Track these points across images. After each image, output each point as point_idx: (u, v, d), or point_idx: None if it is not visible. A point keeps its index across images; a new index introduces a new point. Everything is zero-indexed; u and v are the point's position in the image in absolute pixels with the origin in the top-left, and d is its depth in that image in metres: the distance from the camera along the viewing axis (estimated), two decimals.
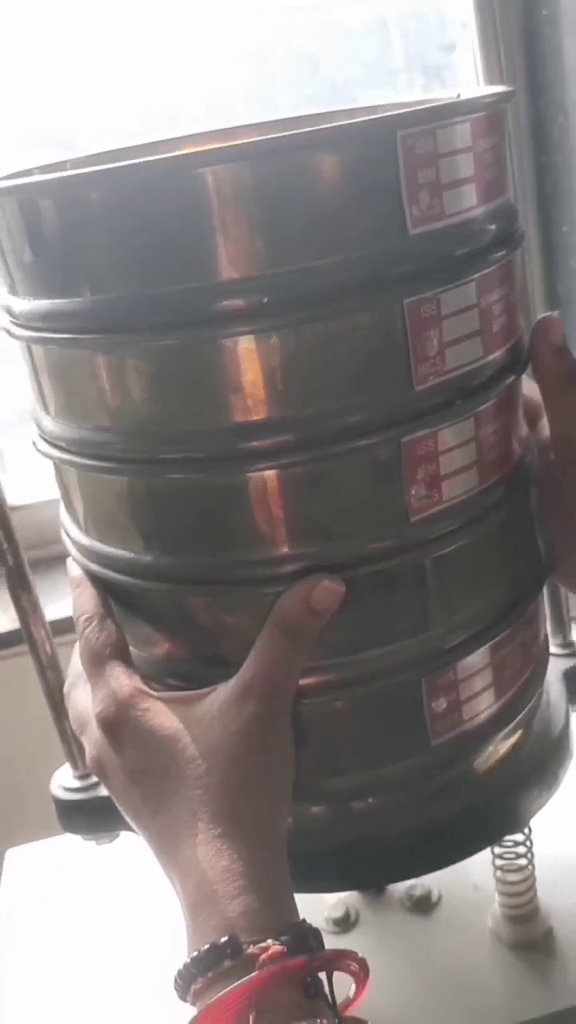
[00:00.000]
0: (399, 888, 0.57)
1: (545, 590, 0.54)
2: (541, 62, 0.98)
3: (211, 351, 0.37)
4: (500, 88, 0.41)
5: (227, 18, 0.95)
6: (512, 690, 0.46)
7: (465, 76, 1.06)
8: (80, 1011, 0.54)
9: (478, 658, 0.44)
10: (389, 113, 0.36)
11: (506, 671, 0.46)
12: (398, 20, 1.03)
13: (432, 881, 0.57)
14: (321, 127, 0.36)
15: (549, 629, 0.55)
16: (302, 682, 0.42)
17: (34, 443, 0.45)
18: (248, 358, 0.37)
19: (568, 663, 0.55)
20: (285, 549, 0.40)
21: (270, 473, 0.39)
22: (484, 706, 0.45)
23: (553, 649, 0.55)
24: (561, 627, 0.56)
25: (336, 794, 0.45)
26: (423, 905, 0.56)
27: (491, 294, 0.40)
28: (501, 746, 0.46)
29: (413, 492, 0.40)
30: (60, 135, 0.96)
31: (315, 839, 0.44)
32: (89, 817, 0.52)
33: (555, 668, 0.54)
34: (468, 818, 0.45)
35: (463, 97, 0.41)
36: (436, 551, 0.41)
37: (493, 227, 0.41)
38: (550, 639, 0.55)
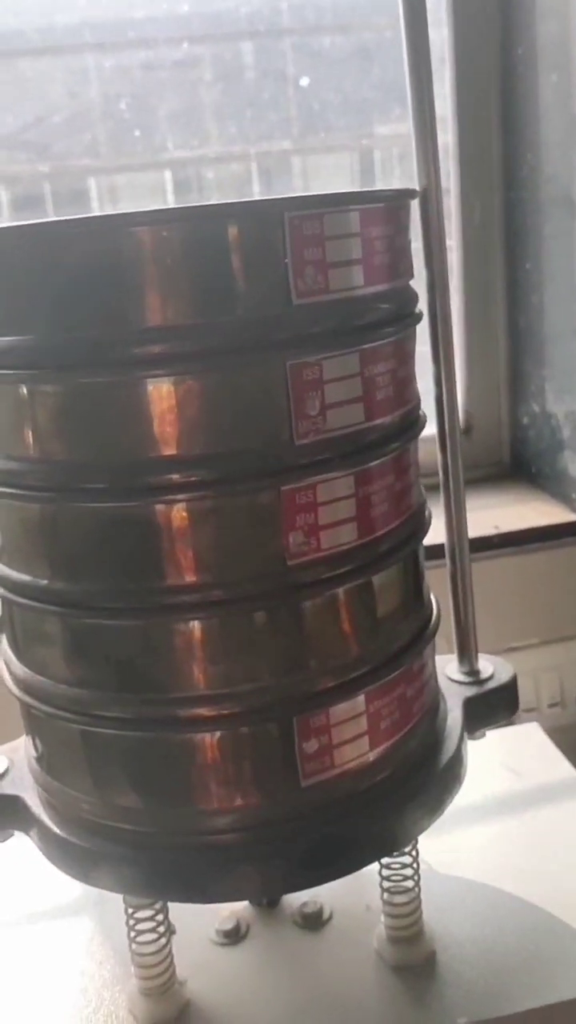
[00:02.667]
0: (292, 903, 0.59)
1: (454, 617, 0.57)
2: (514, 99, 1.01)
3: (110, 392, 0.41)
4: (398, 188, 0.46)
5: (203, 35, 0.99)
6: (389, 741, 0.49)
7: (440, 110, 1.11)
8: None
9: (352, 705, 0.47)
10: (280, 196, 0.41)
11: (382, 722, 0.48)
12: (379, 50, 1.05)
13: (325, 899, 0.59)
14: (222, 203, 0.40)
15: (456, 656, 0.58)
16: (180, 712, 0.45)
17: None
18: (143, 401, 0.41)
19: (469, 691, 0.57)
20: (170, 581, 0.43)
21: (159, 507, 0.42)
22: (358, 753, 0.47)
23: (458, 676, 0.58)
24: (467, 656, 0.58)
25: (209, 827, 0.47)
26: (313, 921, 0.58)
27: (376, 365, 0.44)
28: (378, 778, 0.48)
29: (291, 538, 0.43)
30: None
31: (196, 856, 0.46)
32: None
33: (457, 695, 0.56)
34: (343, 841, 0.47)
35: (372, 191, 0.46)
36: (311, 597, 0.44)
37: (384, 306, 0.45)
38: (457, 666, 0.58)
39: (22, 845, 0.54)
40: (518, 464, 1.21)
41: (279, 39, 1.08)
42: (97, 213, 1.06)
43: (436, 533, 0.57)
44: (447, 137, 1.10)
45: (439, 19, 1.07)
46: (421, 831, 0.51)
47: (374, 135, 1.15)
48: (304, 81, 1.07)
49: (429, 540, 0.55)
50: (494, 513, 1.10)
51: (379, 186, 1.17)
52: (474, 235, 1.13)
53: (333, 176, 1.19)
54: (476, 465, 1.20)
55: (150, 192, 1.12)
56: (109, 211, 1.08)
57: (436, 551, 0.57)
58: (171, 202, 1.10)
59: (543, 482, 1.16)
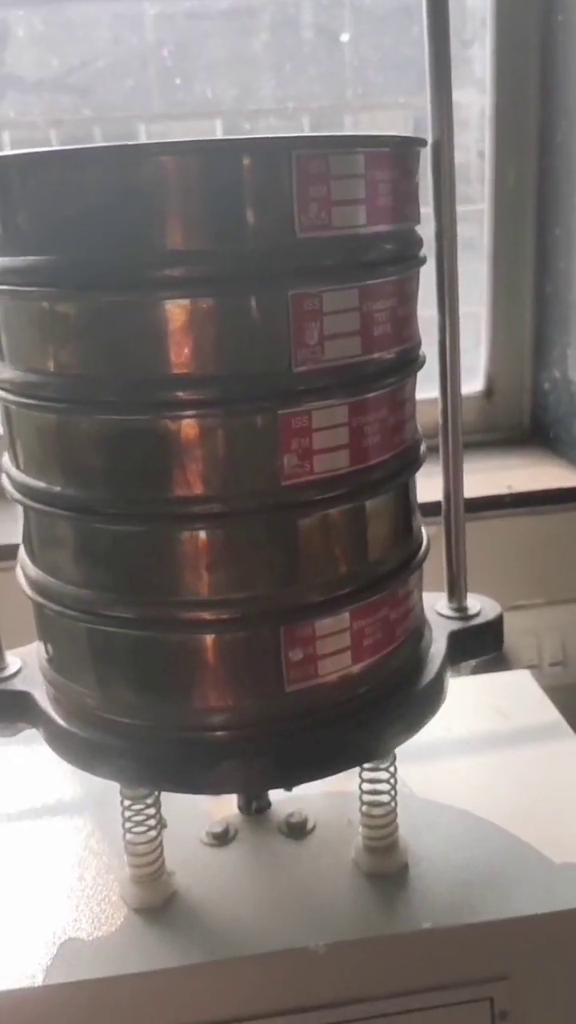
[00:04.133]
0: (279, 813, 0.63)
1: (445, 558, 0.60)
2: (553, 66, 1.01)
3: (124, 312, 0.44)
4: (406, 135, 0.48)
5: None
6: (371, 658, 0.52)
7: (479, 72, 1.11)
8: None
9: (336, 620, 0.50)
10: (291, 135, 0.44)
11: (365, 640, 0.52)
12: (420, 8, 1.07)
13: (310, 811, 0.63)
14: (235, 138, 0.43)
15: (446, 593, 0.61)
16: (177, 615, 0.49)
17: None
18: (154, 321, 0.44)
19: (455, 625, 0.60)
20: (173, 492, 0.47)
21: (165, 422, 0.45)
22: (340, 666, 0.51)
23: (446, 612, 0.61)
24: (456, 592, 0.61)
25: (201, 724, 0.51)
26: (298, 831, 0.62)
27: (376, 302, 0.47)
28: (359, 691, 0.52)
29: (286, 460, 0.46)
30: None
31: (187, 750, 0.50)
32: None
33: (444, 627, 0.60)
34: (322, 746, 0.50)
35: (380, 135, 0.48)
36: (303, 516, 0.48)
37: (387, 246, 0.48)
38: (447, 602, 0.62)
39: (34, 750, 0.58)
40: (537, 429, 1.23)
41: None
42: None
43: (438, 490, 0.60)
44: (484, 100, 1.11)
45: None
46: (397, 745, 0.54)
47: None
48: (344, 37, 1.09)
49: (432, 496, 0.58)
50: (509, 474, 1.13)
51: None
52: (506, 199, 1.14)
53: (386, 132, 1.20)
54: (495, 428, 1.23)
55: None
56: None
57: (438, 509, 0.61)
58: None
59: (561, 447, 1.18)
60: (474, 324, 1.19)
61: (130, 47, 1.04)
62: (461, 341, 0.58)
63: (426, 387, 0.57)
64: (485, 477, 1.11)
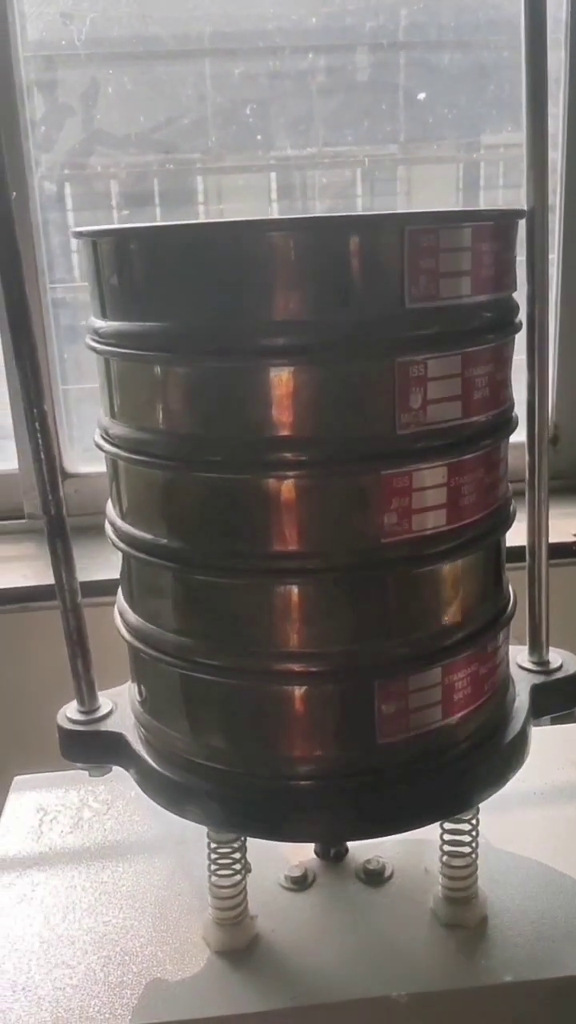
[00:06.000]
0: (356, 860, 0.64)
1: (528, 611, 0.61)
2: None
3: (235, 377, 0.46)
4: (509, 208, 0.50)
5: (322, 45, 1.04)
6: (461, 713, 0.53)
7: (552, 128, 1.13)
8: (70, 937, 0.61)
9: (429, 675, 0.51)
10: (402, 211, 0.46)
11: (456, 694, 0.53)
12: (495, 69, 1.08)
13: (388, 858, 0.64)
14: (349, 215, 0.46)
15: (528, 647, 0.62)
16: (273, 666, 0.50)
17: (96, 442, 0.55)
18: (263, 386, 0.46)
19: (537, 679, 0.61)
20: (274, 548, 0.48)
21: (270, 481, 0.47)
22: (431, 720, 0.52)
23: (528, 665, 0.62)
24: (538, 647, 0.62)
25: (289, 773, 0.52)
26: (375, 878, 0.63)
27: (476, 368, 0.49)
28: (447, 745, 0.53)
29: (386, 519, 0.48)
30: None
31: (275, 798, 0.52)
32: (87, 748, 0.60)
33: (526, 681, 0.60)
34: (409, 799, 0.51)
35: (484, 210, 0.50)
36: (400, 573, 0.49)
37: (488, 314, 0.49)
38: (527, 655, 0.62)
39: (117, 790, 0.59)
40: None
41: (395, 53, 1.12)
42: (200, 211, 1.13)
43: (520, 535, 0.61)
44: (555, 154, 1.13)
45: (557, 41, 1.10)
46: (482, 799, 0.55)
47: (480, 144, 1.18)
48: (421, 95, 1.12)
49: (513, 542, 0.59)
50: (574, 522, 1.13)
51: (482, 197, 1.21)
52: (575, 251, 1.16)
53: (437, 185, 1.23)
54: (560, 476, 1.23)
55: (253, 194, 1.17)
56: (214, 209, 1.14)
57: (520, 553, 0.62)
58: (275, 203, 1.15)
59: None
60: None
61: (214, 104, 1.08)
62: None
63: None
64: (552, 524, 1.11)
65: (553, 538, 1.08)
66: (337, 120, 1.12)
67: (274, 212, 1.15)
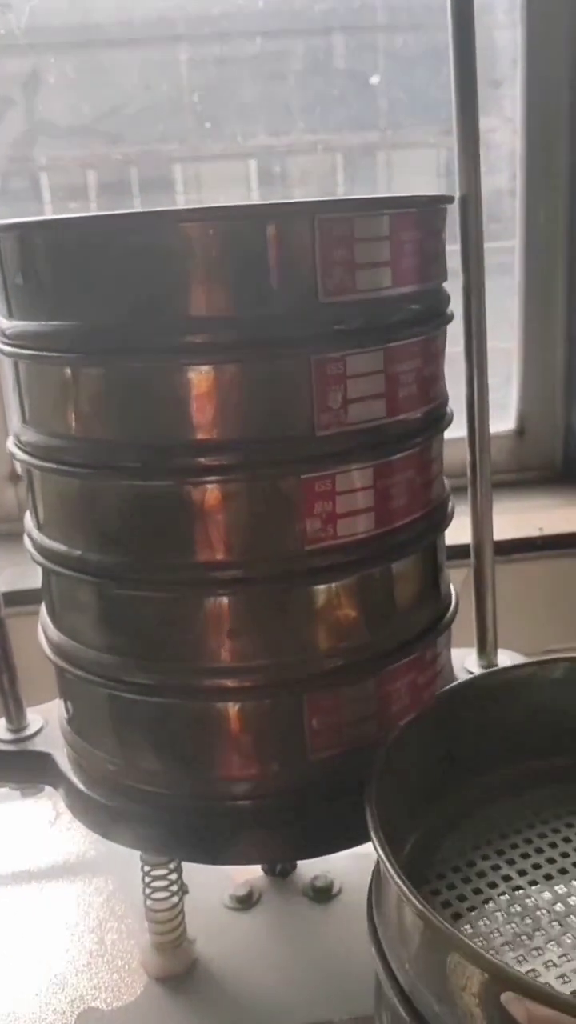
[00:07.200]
0: (303, 876, 0.61)
1: (475, 614, 0.59)
2: None
3: (146, 378, 0.44)
4: (433, 194, 0.48)
5: (282, 30, 1.01)
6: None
7: (510, 111, 1.11)
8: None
9: (361, 688, 0.49)
10: (315, 199, 0.43)
11: (392, 706, 0.50)
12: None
13: (336, 874, 0.62)
14: (258, 203, 0.43)
15: (476, 650, 0.60)
16: (198, 682, 0.48)
17: (9, 448, 0.52)
18: (176, 387, 0.43)
19: (471, 676, 0.58)
20: (195, 558, 0.46)
21: (187, 488, 0.45)
22: (366, 733, 0.49)
23: (476, 669, 0.60)
24: (486, 649, 0.60)
25: (222, 793, 0.49)
26: (323, 895, 0.61)
27: (401, 364, 0.46)
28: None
29: (308, 524, 0.45)
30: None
31: (209, 819, 0.49)
32: (14, 769, 0.57)
33: None
34: (347, 816, 0.49)
35: (406, 196, 0.48)
36: (327, 581, 0.47)
37: (413, 307, 0.47)
38: (476, 659, 0.60)
39: (60, 805, 0.57)
40: (570, 468, 1.20)
41: (358, 35, 1.09)
42: (180, 200, 1.10)
43: (465, 532, 0.59)
44: (515, 139, 1.10)
45: (513, 20, 1.07)
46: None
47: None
48: (375, 79, 1.09)
49: (463, 539, 0.57)
50: (540, 515, 1.11)
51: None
52: (537, 237, 1.13)
53: (417, 171, 1.20)
54: (527, 468, 1.21)
55: (232, 181, 1.14)
56: (194, 198, 1.11)
57: (465, 551, 0.59)
58: (254, 191, 1.12)
59: None
60: (505, 361, 1.18)
61: (161, 93, 1.04)
62: (491, 378, 0.57)
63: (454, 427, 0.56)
64: (516, 518, 1.09)
65: (518, 533, 1.07)
66: (302, 106, 1.09)
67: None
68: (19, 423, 0.51)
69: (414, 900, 0.35)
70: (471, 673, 0.60)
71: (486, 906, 0.43)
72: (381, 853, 0.38)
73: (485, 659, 0.60)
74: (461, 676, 0.59)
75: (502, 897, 0.43)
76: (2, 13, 0.98)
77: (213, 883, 0.61)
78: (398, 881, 0.36)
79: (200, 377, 0.43)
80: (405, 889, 0.35)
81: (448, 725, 0.49)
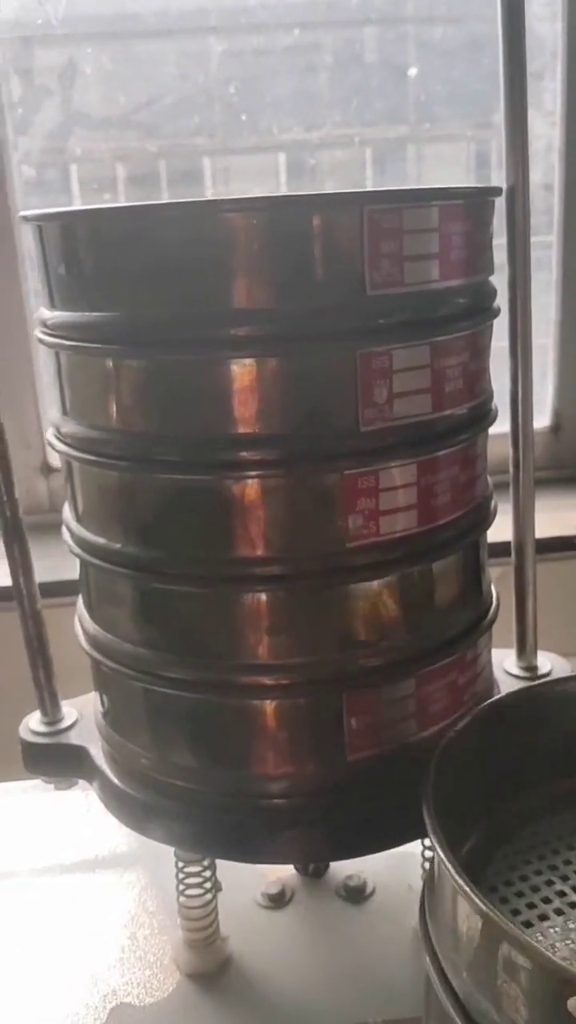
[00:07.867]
0: (337, 876, 0.61)
1: (515, 614, 0.58)
2: None
3: (189, 370, 0.43)
4: (483, 186, 0.46)
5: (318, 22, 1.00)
6: (438, 725, 0.50)
7: (550, 104, 1.09)
8: (33, 959, 0.59)
9: (401, 687, 0.48)
10: (364, 190, 0.42)
11: (432, 706, 0.49)
12: (490, 43, 1.06)
13: (369, 874, 0.61)
14: (303, 194, 0.42)
15: (515, 651, 0.59)
16: (236, 679, 0.47)
17: (48, 440, 0.52)
18: (219, 380, 0.43)
19: (527, 686, 0.57)
20: (235, 553, 0.45)
21: (228, 482, 0.44)
22: (405, 733, 0.49)
23: (515, 671, 0.59)
24: (526, 650, 0.59)
25: (258, 791, 0.49)
26: (356, 895, 0.60)
27: (448, 358, 0.45)
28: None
29: (351, 521, 0.45)
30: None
31: (243, 817, 0.49)
32: (49, 761, 0.57)
33: (512, 688, 0.57)
34: (385, 817, 0.48)
35: (454, 188, 0.47)
36: (368, 579, 0.46)
37: (460, 300, 0.46)
38: (516, 660, 0.59)
39: (92, 798, 0.57)
40: None
41: (393, 28, 1.08)
42: (208, 194, 1.09)
43: (506, 530, 0.58)
44: (554, 132, 1.09)
45: (553, 12, 1.06)
46: None
47: (491, 125, 1.14)
48: (412, 71, 1.08)
49: (499, 537, 0.56)
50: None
51: (493, 176, 1.17)
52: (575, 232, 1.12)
53: (448, 165, 1.18)
54: (563, 465, 1.19)
55: (261, 174, 1.14)
56: (222, 191, 1.11)
57: (506, 549, 0.58)
58: (283, 184, 1.12)
59: None
60: (541, 357, 1.17)
61: (196, 84, 1.04)
62: None
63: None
64: (552, 516, 1.08)
65: (556, 531, 1.05)
66: (333, 98, 1.08)
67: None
68: (59, 415, 0.50)
69: (478, 901, 0.34)
70: (510, 675, 0.59)
71: (542, 923, 0.42)
72: (441, 854, 0.37)
73: (525, 661, 0.59)
74: (500, 678, 0.58)
75: (558, 914, 0.42)
76: (40, 3, 0.98)
77: (245, 881, 0.61)
78: (460, 883, 0.35)
79: (243, 370, 0.43)
80: (468, 891, 0.34)
81: (501, 733, 0.48)
